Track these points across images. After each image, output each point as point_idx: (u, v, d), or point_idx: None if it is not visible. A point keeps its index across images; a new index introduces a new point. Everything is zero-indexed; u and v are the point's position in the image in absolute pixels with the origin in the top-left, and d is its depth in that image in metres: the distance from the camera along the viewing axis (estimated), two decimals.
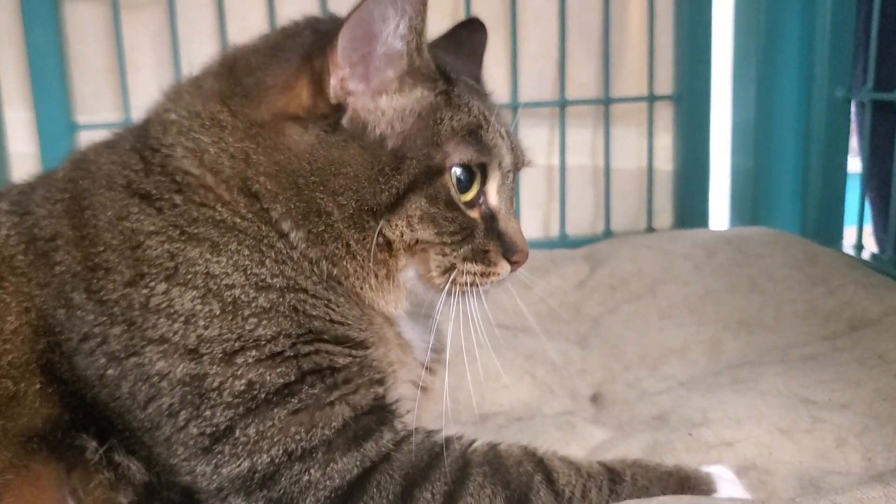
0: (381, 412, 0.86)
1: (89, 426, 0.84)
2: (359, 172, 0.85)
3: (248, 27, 1.60)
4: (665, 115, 1.99)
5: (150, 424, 0.82)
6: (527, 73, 1.92)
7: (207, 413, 0.80)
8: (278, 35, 0.94)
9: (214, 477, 0.80)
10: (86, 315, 0.83)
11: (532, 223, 2.02)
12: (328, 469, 0.80)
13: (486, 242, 0.92)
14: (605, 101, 1.94)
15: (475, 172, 0.90)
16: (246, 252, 0.85)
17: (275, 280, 0.85)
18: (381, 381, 0.89)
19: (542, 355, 1.39)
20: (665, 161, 2.02)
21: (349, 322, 0.89)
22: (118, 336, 0.82)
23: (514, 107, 1.91)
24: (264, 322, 0.83)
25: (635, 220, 2.03)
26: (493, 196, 0.93)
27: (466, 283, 0.92)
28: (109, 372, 0.82)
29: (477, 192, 0.91)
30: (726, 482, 0.92)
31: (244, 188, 0.87)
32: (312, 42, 0.88)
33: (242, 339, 0.82)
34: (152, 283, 0.83)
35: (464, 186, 0.90)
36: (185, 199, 0.87)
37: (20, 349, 0.83)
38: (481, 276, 0.92)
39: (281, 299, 0.85)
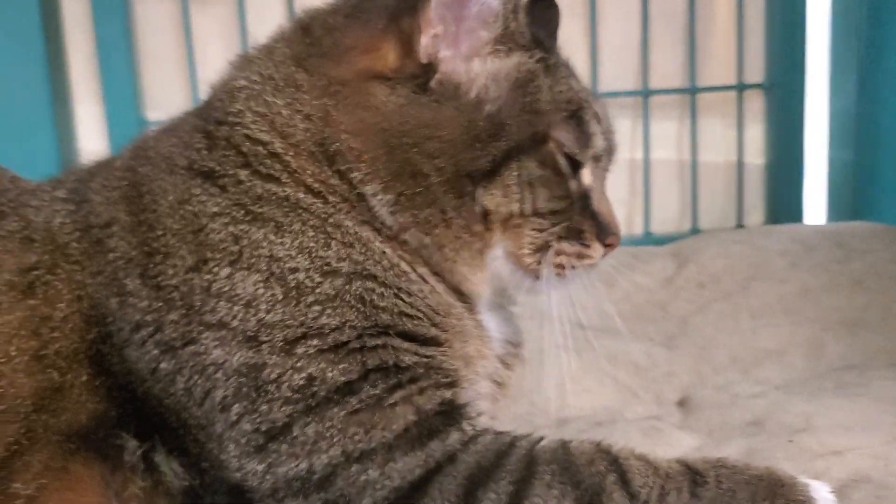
0: (449, 414, 0.80)
1: (132, 423, 0.79)
2: (454, 136, 0.82)
3: None
4: (756, 104, 1.87)
5: (207, 421, 0.77)
6: (607, 63, 1.83)
7: (264, 408, 0.75)
8: None
9: (268, 477, 0.75)
10: (139, 301, 0.79)
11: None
12: (386, 469, 0.74)
13: (581, 221, 0.89)
14: (692, 91, 1.83)
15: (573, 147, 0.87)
16: (311, 233, 0.81)
17: (341, 264, 0.80)
18: (450, 385, 0.82)
19: (626, 357, 1.30)
20: (756, 154, 1.90)
21: (420, 315, 0.83)
22: (175, 322, 0.77)
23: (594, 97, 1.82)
24: (328, 311, 0.78)
25: (724, 217, 1.91)
26: (587, 174, 0.89)
27: (561, 266, 0.89)
28: (163, 365, 0.77)
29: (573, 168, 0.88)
30: (824, 499, 0.79)
31: (318, 151, 0.83)
32: (399, 1, 0.84)
33: (305, 326, 0.77)
34: (216, 269, 0.78)
35: None
36: (250, 173, 0.83)
37: (69, 338, 0.79)
38: (576, 257, 0.89)
39: (347, 286, 0.79)
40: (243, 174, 0.83)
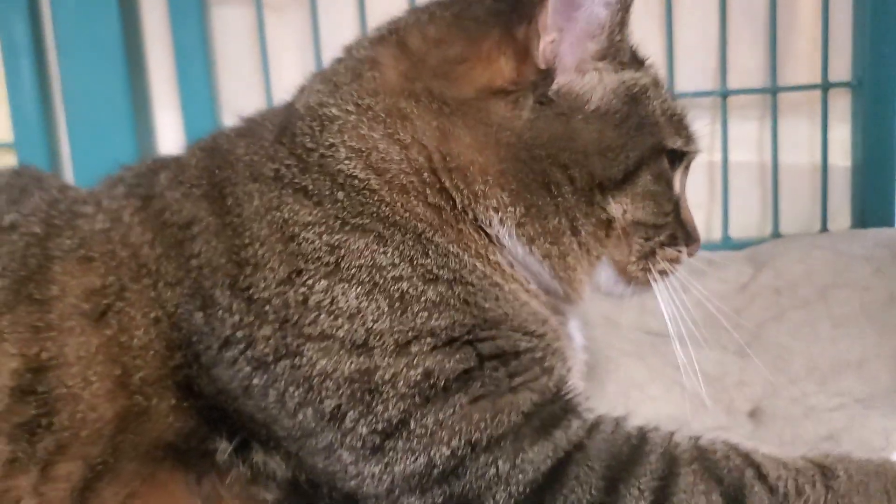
0: (566, 399, 0.80)
1: (223, 430, 0.79)
2: (588, 147, 0.84)
3: None
4: (842, 104, 1.79)
5: (301, 433, 0.77)
6: (684, 62, 1.78)
7: (379, 408, 0.74)
8: (451, 4, 0.89)
9: (385, 477, 0.75)
10: (229, 317, 0.78)
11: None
12: (518, 460, 0.73)
13: (676, 227, 0.93)
14: (773, 90, 1.76)
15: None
16: (410, 243, 0.81)
17: (441, 272, 0.80)
18: (562, 371, 0.83)
19: (694, 365, 1.26)
20: (842, 156, 1.81)
21: (522, 315, 0.84)
22: (267, 337, 0.76)
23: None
24: (435, 315, 0.77)
25: (808, 222, 1.83)
26: (677, 183, 0.94)
27: (663, 272, 0.93)
28: (255, 381, 0.77)
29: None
30: None
31: (417, 181, 0.83)
32: (509, 7, 0.84)
33: (416, 330, 0.76)
34: (310, 281, 0.77)
35: None
36: (347, 195, 0.82)
37: (151, 365, 0.78)
38: (672, 262, 0.93)
39: (450, 291, 0.79)
40: (340, 195, 0.82)
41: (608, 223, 0.87)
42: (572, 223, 0.85)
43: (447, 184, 0.83)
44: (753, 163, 1.84)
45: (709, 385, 1.23)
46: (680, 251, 0.94)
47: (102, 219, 0.85)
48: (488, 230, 0.85)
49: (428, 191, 0.83)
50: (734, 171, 1.81)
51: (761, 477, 0.75)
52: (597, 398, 1.16)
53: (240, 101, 1.80)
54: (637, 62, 0.92)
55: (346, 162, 0.83)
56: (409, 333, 0.76)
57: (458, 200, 0.84)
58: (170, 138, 1.82)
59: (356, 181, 0.83)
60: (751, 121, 1.82)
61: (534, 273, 0.89)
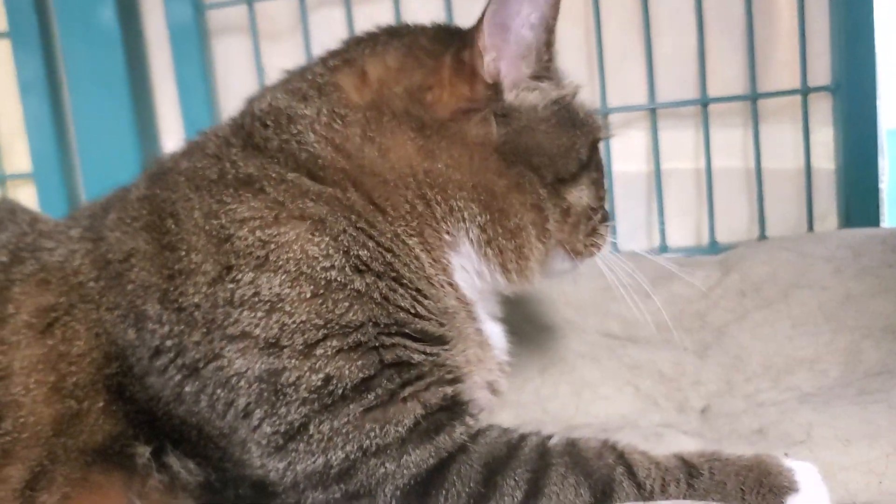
0: (453, 410, 0.86)
1: (143, 433, 0.86)
2: (551, 150, 0.96)
3: None
4: (823, 107, 1.81)
5: (229, 430, 0.83)
6: (664, 73, 1.82)
7: (282, 410, 0.81)
8: (396, 33, 1.01)
9: (289, 473, 0.82)
10: (159, 328, 0.84)
11: (681, 231, 1.90)
12: (402, 461, 0.81)
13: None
14: (753, 97, 1.79)
15: None
16: (353, 233, 0.88)
17: (374, 264, 0.88)
18: (453, 381, 0.89)
19: (651, 366, 1.30)
20: (826, 158, 1.83)
21: (431, 316, 0.91)
22: (197, 343, 0.83)
23: (652, 108, 1.81)
24: (356, 307, 0.84)
25: (795, 225, 1.85)
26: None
27: (598, 245, 1.06)
28: (187, 389, 0.84)
29: None
30: (809, 485, 0.84)
31: (406, 183, 0.93)
32: (452, 34, 0.98)
33: (328, 327, 0.83)
34: (239, 276, 0.84)
35: None
36: (299, 176, 0.90)
37: (86, 371, 0.86)
38: (604, 236, 1.07)
39: (375, 285, 0.86)
40: (291, 175, 0.90)
41: (567, 210, 0.99)
42: (541, 214, 0.96)
43: (429, 195, 0.92)
44: (739, 168, 1.86)
45: (664, 384, 1.28)
46: (608, 224, 1.08)
47: (60, 253, 0.93)
48: (451, 236, 0.94)
49: (408, 192, 0.92)
50: (719, 177, 1.85)
51: (631, 474, 0.82)
52: (550, 398, 1.22)
53: None
54: (559, 76, 1.02)
55: (315, 144, 0.92)
56: (321, 331, 0.82)
57: (437, 211, 0.93)
58: None
59: (321, 160, 0.91)
60: (734, 128, 1.84)
61: (478, 274, 0.98)
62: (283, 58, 1.87)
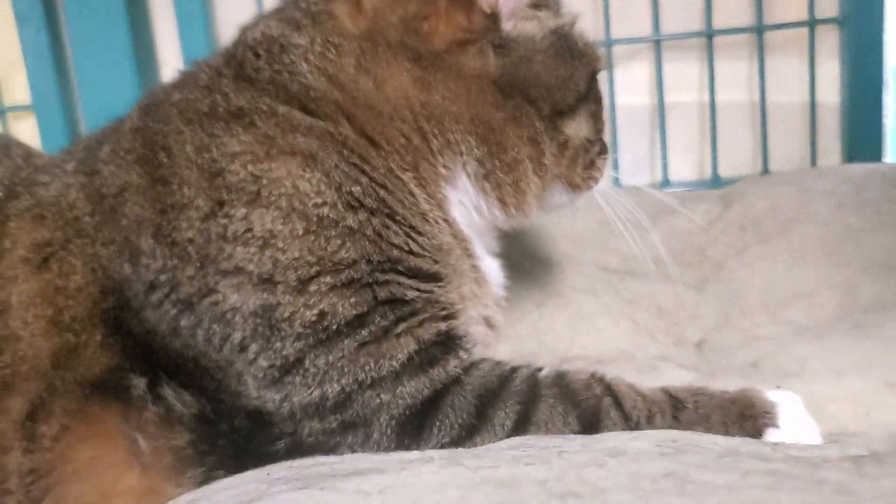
0: (446, 344, 0.87)
1: (139, 365, 0.86)
2: (549, 81, 0.95)
3: None
4: (830, 40, 1.78)
5: (225, 363, 0.84)
6: (669, 4, 1.79)
7: (277, 345, 0.82)
8: None
9: (285, 404, 0.83)
10: (153, 262, 0.84)
11: (685, 165, 1.89)
12: (398, 392, 0.82)
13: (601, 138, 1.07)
14: (759, 29, 1.77)
15: None
16: (345, 168, 0.87)
17: (367, 200, 0.87)
18: (447, 317, 0.90)
19: (649, 300, 1.31)
20: (831, 92, 1.81)
21: (425, 253, 0.91)
22: (191, 278, 0.83)
23: (656, 40, 1.79)
24: (348, 244, 0.84)
25: (799, 159, 1.84)
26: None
27: (595, 179, 1.06)
28: (183, 323, 0.84)
29: None
30: (790, 414, 0.86)
31: (402, 116, 0.92)
32: None
33: (321, 263, 0.83)
34: (231, 211, 0.83)
35: None
36: (290, 109, 0.90)
37: (83, 305, 0.86)
38: (601, 169, 1.07)
39: (369, 221, 0.86)
40: (282, 109, 0.89)
41: (565, 143, 0.99)
42: (538, 148, 0.96)
43: (425, 127, 0.92)
44: (743, 102, 1.85)
45: (661, 318, 1.29)
46: (606, 157, 1.07)
47: (55, 188, 0.93)
48: (447, 170, 0.94)
49: (404, 125, 0.92)
50: (723, 111, 1.83)
51: (617, 405, 0.84)
52: (546, 331, 1.23)
53: None
54: (557, 5, 1.02)
55: (308, 75, 0.91)
56: (314, 268, 0.82)
57: (433, 144, 0.93)
58: None
59: (313, 92, 0.90)
60: (740, 60, 1.82)
61: (475, 208, 0.98)
62: None
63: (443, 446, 0.81)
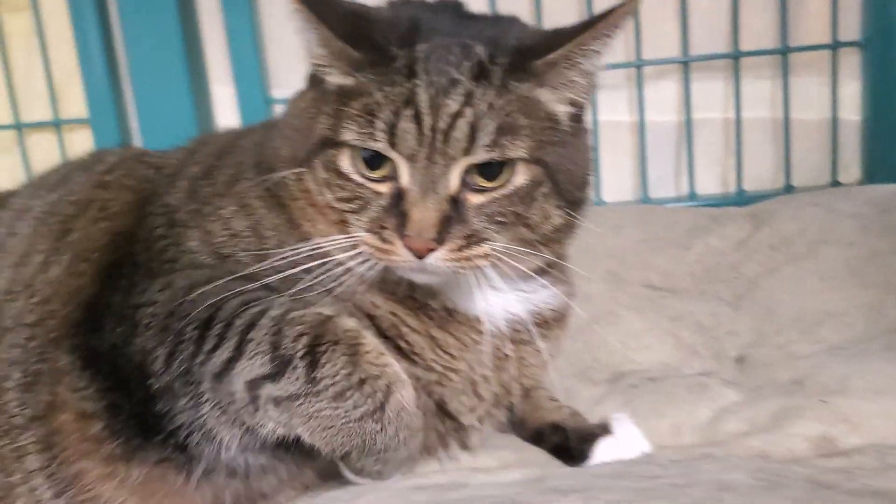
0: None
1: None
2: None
3: None
4: (852, 61, 1.88)
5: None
6: (699, 27, 1.88)
7: None
8: None
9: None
10: (176, 192, 1.06)
11: (711, 180, 1.99)
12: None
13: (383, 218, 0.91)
14: (783, 51, 1.86)
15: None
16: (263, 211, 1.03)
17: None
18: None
19: (690, 317, 1.41)
20: (852, 111, 1.90)
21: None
22: (189, 212, 1.02)
23: (685, 61, 1.88)
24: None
25: (820, 175, 1.94)
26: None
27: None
28: (159, 231, 1.01)
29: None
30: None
31: None
32: None
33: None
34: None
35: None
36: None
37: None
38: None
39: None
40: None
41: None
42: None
43: None
44: (767, 119, 1.94)
45: (701, 334, 1.39)
46: (389, 241, 0.93)
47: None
48: None
49: None
50: (748, 128, 1.92)
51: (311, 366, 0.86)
52: (599, 347, 1.33)
53: (288, 75, 1.93)
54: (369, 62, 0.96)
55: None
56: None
57: None
58: (226, 110, 2.00)
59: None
60: (764, 80, 1.92)
61: None
62: None
63: None
